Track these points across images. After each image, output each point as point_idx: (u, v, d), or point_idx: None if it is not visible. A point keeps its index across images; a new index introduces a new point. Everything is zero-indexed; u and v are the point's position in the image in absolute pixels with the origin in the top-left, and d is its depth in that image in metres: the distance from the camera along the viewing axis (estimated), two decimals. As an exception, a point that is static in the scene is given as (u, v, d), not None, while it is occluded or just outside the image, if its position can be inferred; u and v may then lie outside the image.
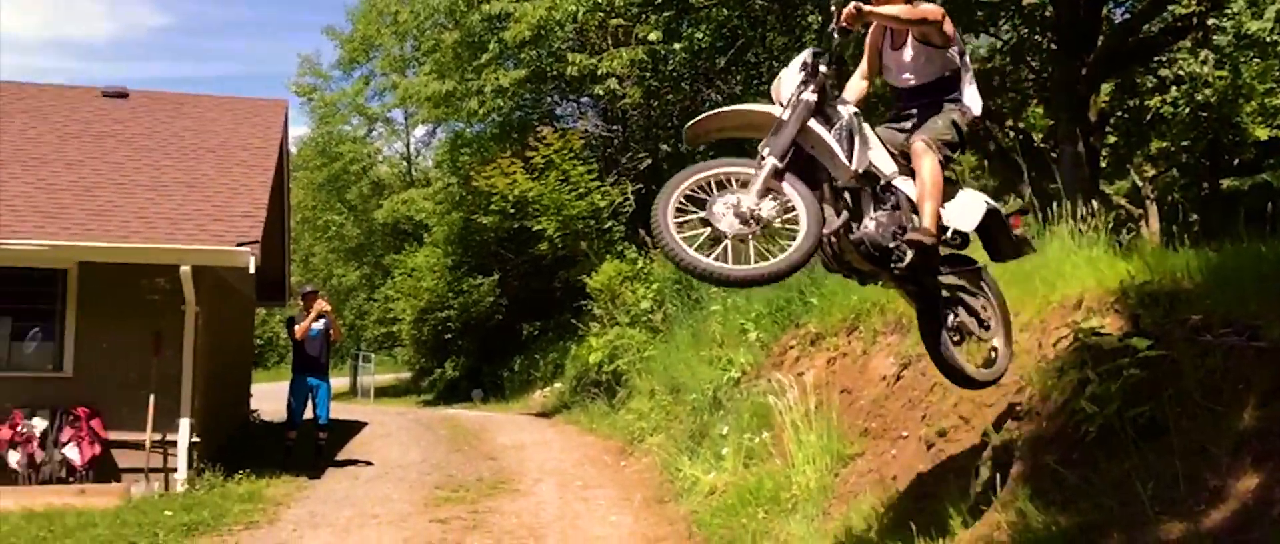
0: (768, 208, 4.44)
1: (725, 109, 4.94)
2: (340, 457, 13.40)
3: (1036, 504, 5.09)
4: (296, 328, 12.88)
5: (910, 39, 5.21)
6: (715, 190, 4.48)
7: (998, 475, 5.69)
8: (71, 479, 10.80)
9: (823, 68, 4.75)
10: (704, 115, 4.84)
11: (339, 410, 16.60)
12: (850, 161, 4.72)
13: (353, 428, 16.61)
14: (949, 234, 5.14)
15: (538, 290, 26.06)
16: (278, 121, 15.97)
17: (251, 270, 11.53)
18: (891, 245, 4.87)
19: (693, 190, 4.49)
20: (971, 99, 5.28)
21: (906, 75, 5.30)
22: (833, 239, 4.84)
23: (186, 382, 11.35)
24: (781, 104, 4.74)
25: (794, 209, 4.51)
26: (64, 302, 11.47)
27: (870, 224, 4.89)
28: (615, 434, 13.79)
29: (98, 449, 11.01)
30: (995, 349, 5.54)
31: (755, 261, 4.42)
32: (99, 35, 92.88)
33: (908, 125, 5.26)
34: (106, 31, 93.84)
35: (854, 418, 8.17)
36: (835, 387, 8.79)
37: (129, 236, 11.34)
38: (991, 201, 5.38)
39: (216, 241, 11.38)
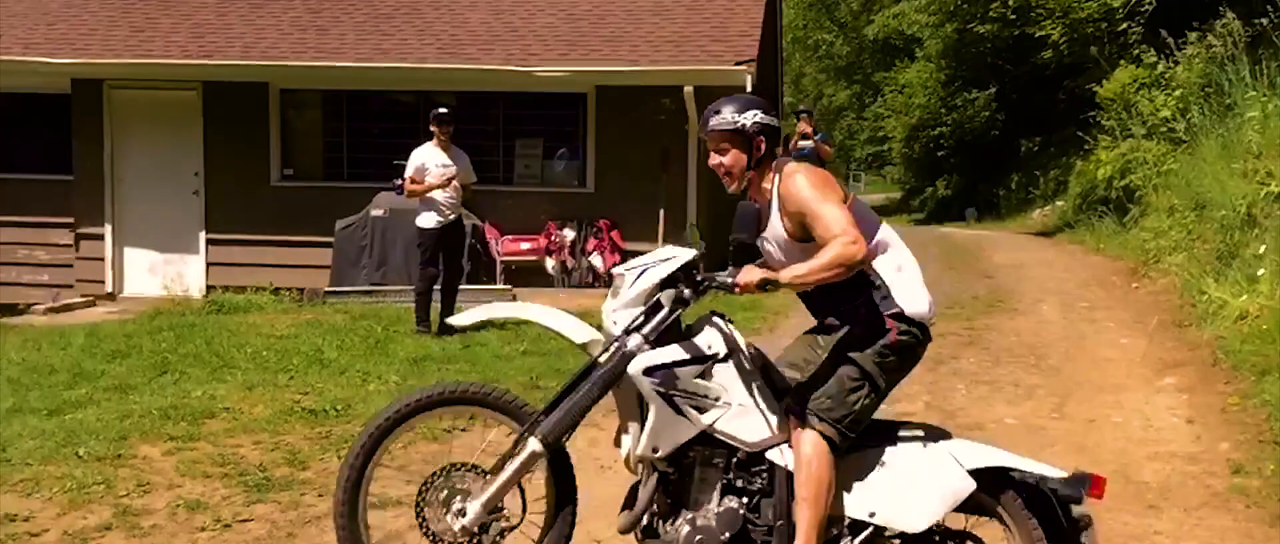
0: (497, 528, 3.28)
1: (527, 310, 3.55)
2: (835, 271, 13.65)
3: None
4: (790, 145, 13.20)
5: (776, 217, 3.43)
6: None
7: None
8: (596, 284, 12.03)
9: (681, 307, 3.27)
10: (477, 315, 3.55)
11: (832, 227, 16.79)
12: (635, 446, 3.30)
13: (845, 244, 16.83)
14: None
15: (1039, 102, 24.50)
16: (769, -61, 16.04)
17: (748, 89, 11.84)
18: None
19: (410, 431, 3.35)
20: (906, 288, 3.42)
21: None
22: (638, 534, 3.40)
23: (692, 197, 12.09)
24: (610, 327, 3.32)
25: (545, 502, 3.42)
26: (584, 123, 12.57)
27: (682, 528, 3.32)
28: (1126, 254, 12.81)
29: (617, 258, 12.12)
30: None
31: None
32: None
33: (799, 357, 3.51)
34: None
35: None
36: None
37: (638, 60, 12.08)
38: (1006, 462, 3.42)
39: (715, 62, 11.81)
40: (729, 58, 11.78)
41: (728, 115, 3.43)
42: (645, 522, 3.35)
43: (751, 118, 3.42)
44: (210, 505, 5.14)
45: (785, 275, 3.28)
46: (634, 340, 3.25)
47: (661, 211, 11.87)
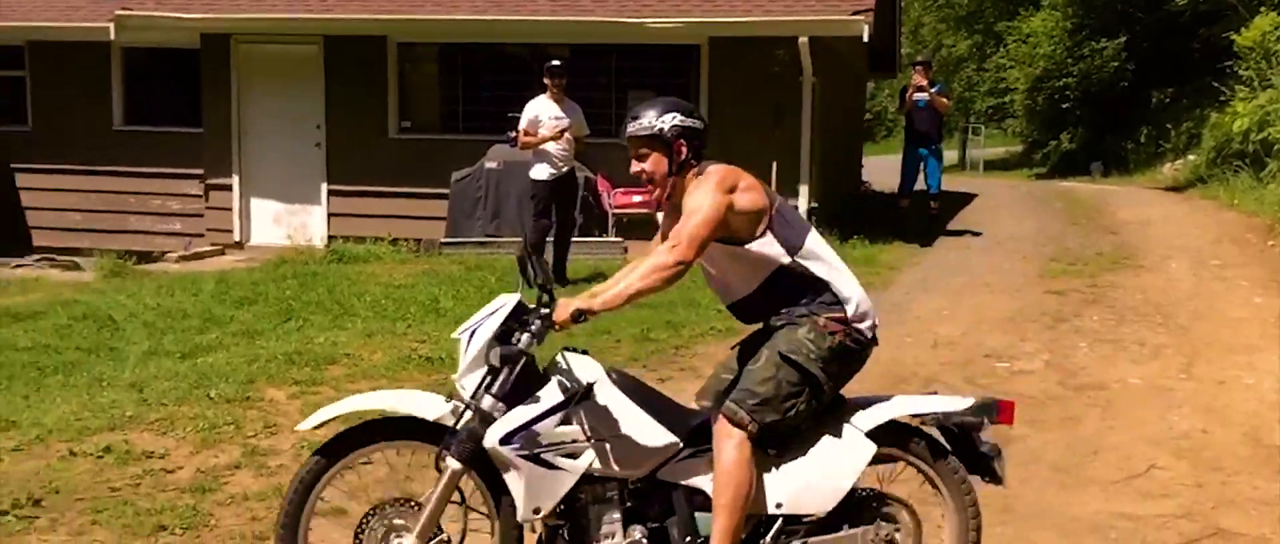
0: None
1: (375, 400, 3.53)
2: (951, 227, 13.41)
3: None
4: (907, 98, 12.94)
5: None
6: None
7: None
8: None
9: (521, 357, 3.13)
10: (324, 414, 3.43)
11: (947, 182, 16.52)
12: (518, 509, 3.17)
13: (963, 199, 16.47)
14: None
15: (1171, 52, 23.48)
16: (889, -115, 15.63)
17: (864, 39, 11.61)
18: None
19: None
20: (847, 291, 3.32)
21: (723, 289, 3.44)
22: None
23: (804, 151, 11.94)
24: (461, 393, 3.20)
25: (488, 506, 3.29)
26: (697, 76, 12.48)
27: None
28: (1262, 210, 12.25)
29: (729, 211, 12.05)
30: None
31: None
32: None
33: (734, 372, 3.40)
34: None
35: None
36: None
37: (751, 11, 11.92)
38: (906, 409, 3.39)
39: (831, 11, 11.59)
40: (846, 7, 11.54)
41: (646, 120, 3.32)
42: None
43: (670, 121, 3.31)
44: (332, 448, 5.32)
45: (598, 302, 3.15)
46: (487, 401, 3.15)
47: (774, 165, 11.75)
